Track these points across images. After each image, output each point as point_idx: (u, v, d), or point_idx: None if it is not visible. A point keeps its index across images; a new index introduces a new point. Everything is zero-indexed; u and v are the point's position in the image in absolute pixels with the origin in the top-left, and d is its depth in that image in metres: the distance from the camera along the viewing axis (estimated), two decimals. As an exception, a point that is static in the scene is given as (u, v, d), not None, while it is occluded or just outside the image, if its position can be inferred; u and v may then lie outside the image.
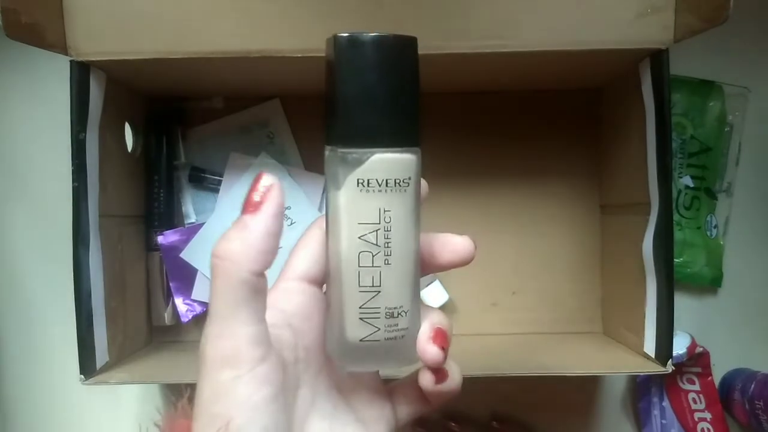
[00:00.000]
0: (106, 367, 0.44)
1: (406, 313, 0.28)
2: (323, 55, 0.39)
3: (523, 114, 0.54)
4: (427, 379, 0.28)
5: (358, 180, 0.26)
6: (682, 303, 0.55)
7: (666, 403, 0.55)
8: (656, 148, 0.41)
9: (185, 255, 0.52)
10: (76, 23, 0.39)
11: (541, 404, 0.55)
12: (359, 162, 0.26)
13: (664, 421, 0.55)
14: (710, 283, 0.55)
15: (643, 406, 0.55)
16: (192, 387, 0.28)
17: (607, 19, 0.39)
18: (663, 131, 0.41)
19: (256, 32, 0.39)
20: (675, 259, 0.50)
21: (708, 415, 0.55)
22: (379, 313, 0.27)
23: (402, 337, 0.28)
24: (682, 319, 0.55)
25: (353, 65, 0.25)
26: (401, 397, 0.30)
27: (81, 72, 0.40)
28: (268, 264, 0.25)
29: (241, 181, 0.53)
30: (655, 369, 0.42)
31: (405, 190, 0.26)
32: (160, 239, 0.52)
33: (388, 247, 0.27)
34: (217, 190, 0.53)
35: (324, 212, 0.28)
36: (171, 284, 0.52)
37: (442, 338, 0.28)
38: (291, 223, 0.53)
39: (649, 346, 0.43)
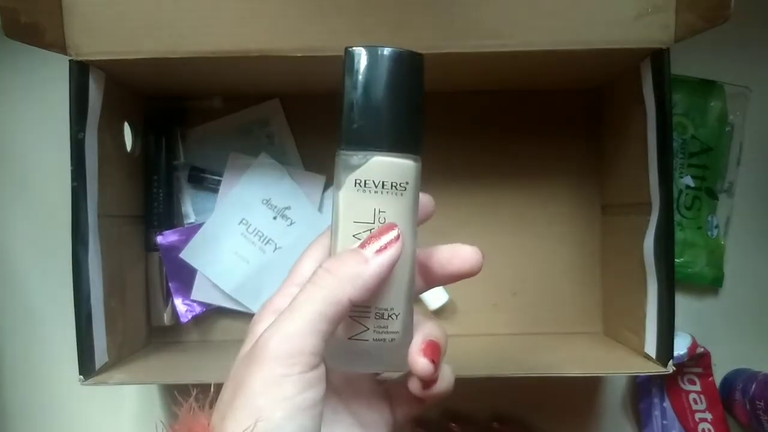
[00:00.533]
0: (106, 368, 0.44)
1: (396, 316, 0.28)
2: (323, 54, 0.40)
3: (523, 114, 0.54)
4: (414, 386, 0.29)
5: (356, 180, 0.27)
6: (683, 303, 0.55)
7: (667, 404, 0.55)
8: (657, 148, 0.41)
9: (185, 255, 0.52)
10: (75, 23, 0.39)
11: (541, 404, 0.55)
12: (359, 164, 0.27)
13: (665, 422, 0.55)
14: (711, 284, 0.55)
15: (643, 406, 0.55)
16: (199, 388, 0.28)
17: (607, 18, 0.39)
18: (664, 131, 0.41)
19: (256, 32, 0.39)
20: (676, 260, 0.50)
21: (709, 416, 0.55)
22: (368, 312, 0.28)
23: (392, 340, 0.28)
24: (682, 319, 0.55)
25: (359, 74, 0.27)
26: (397, 398, 0.31)
27: (80, 72, 0.40)
28: (364, 301, 0.27)
29: (240, 181, 0.53)
30: (656, 369, 0.42)
31: (401, 194, 0.28)
32: (160, 239, 0.52)
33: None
34: (216, 190, 0.53)
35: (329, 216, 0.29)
36: (170, 284, 0.52)
37: (433, 351, 0.29)
38: (290, 223, 0.53)
39: (650, 347, 0.43)
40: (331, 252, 0.29)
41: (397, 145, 0.28)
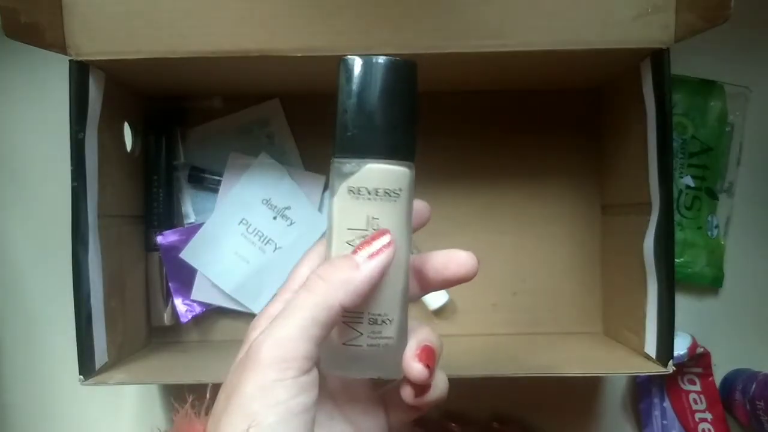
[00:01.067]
0: (106, 368, 0.44)
1: (390, 321, 0.28)
2: (323, 54, 0.40)
3: (523, 114, 0.54)
4: (407, 393, 0.29)
5: (349, 187, 0.28)
6: (683, 303, 0.55)
7: (667, 404, 0.55)
8: (657, 148, 0.41)
9: (185, 255, 0.52)
10: (75, 23, 0.39)
11: (541, 405, 0.55)
12: (352, 171, 0.28)
13: (665, 422, 0.55)
14: (711, 284, 0.55)
15: (643, 406, 0.55)
16: (195, 395, 0.28)
17: (607, 18, 0.39)
18: (664, 131, 0.41)
19: (256, 32, 0.39)
20: (676, 260, 0.50)
21: (709, 416, 0.55)
22: (362, 318, 0.28)
23: (386, 345, 0.28)
24: (682, 319, 0.55)
25: (353, 83, 0.28)
26: (392, 404, 0.31)
27: (80, 72, 0.40)
28: (356, 306, 0.27)
29: (240, 181, 0.53)
30: (656, 369, 0.42)
31: (395, 201, 0.28)
32: (160, 239, 0.52)
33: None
34: (216, 190, 0.53)
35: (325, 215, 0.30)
36: (170, 284, 0.52)
37: (428, 356, 0.29)
38: (290, 224, 0.53)
39: (650, 347, 0.43)
40: (326, 258, 0.29)
41: (390, 153, 0.28)
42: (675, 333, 0.42)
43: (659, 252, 0.42)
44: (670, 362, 0.41)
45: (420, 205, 0.31)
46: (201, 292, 0.52)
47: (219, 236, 0.52)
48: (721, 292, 0.56)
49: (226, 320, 0.54)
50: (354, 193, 0.28)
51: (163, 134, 0.53)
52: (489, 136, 0.54)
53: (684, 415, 0.55)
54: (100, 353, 0.43)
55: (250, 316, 0.53)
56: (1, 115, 0.56)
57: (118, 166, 0.47)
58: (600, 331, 0.54)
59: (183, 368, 0.47)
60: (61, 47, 0.39)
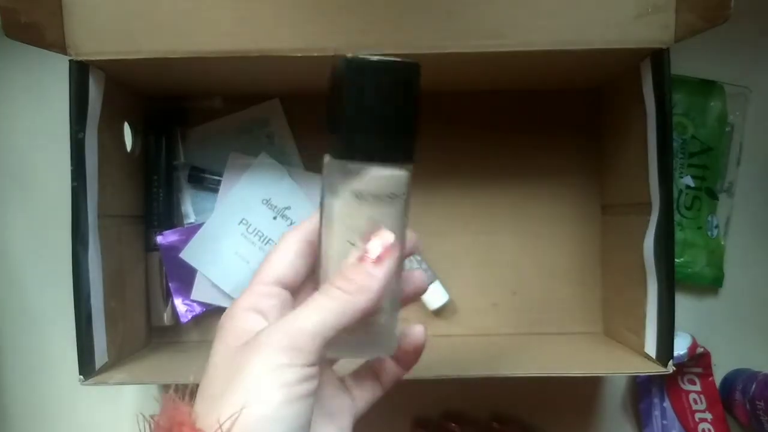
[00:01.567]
0: (106, 368, 0.44)
1: (383, 309, 0.30)
2: (323, 54, 0.40)
3: (523, 114, 0.54)
4: (419, 331, 0.32)
5: (353, 190, 0.28)
6: (683, 303, 0.55)
7: (667, 404, 0.55)
8: (657, 148, 0.41)
9: (185, 255, 0.52)
10: (75, 23, 0.39)
11: (541, 404, 0.55)
12: (356, 174, 0.28)
13: (665, 422, 0.55)
14: (711, 284, 0.55)
15: (643, 406, 0.55)
16: (180, 382, 0.28)
17: (607, 18, 0.39)
18: (664, 131, 0.41)
19: (256, 32, 0.39)
20: (676, 260, 0.50)
21: (709, 416, 0.55)
22: None
23: (378, 330, 0.30)
24: (682, 319, 0.55)
25: (357, 86, 0.28)
26: (356, 387, 0.33)
27: (80, 72, 0.40)
28: (375, 309, 0.29)
29: (240, 181, 0.53)
30: (656, 369, 0.42)
31: (394, 203, 0.29)
32: (160, 239, 0.52)
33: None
34: (216, 190, 0.53)
35: (300, 222, 0.31)
36: (170, 284, 0.52)
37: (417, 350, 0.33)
38: (290, 223, 0.53)
39: (650, 347, 0.43)
40: (323, 253, 0.30)
41: (394, 157, 0.29)
42: (675, 333, 0.42)
43: (659, 252, 0.42)
44: (670, 362, 0.41)
45: (411, 237, 0.32)
46: (201, 292, 0.52)
47: (219, 236, 0.52)
48: (721, 292, 0.56)
49: (226, 320, 0.54)
50: (358, 196, 0.28)
51: (163, 134, 0.53)
52: (489, 136, 0.54)
53: (684, 415, 0.55)
54: (100, 353, 0.43)
55: (250, 316, 0.53)
56: (1, 115, 0.56)
57: (118, 166, 0.47)
58: (600, 331, 0.54)
59: (183, 368, 0.47)
60: (61, 47, 0.39)
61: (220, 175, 0.53)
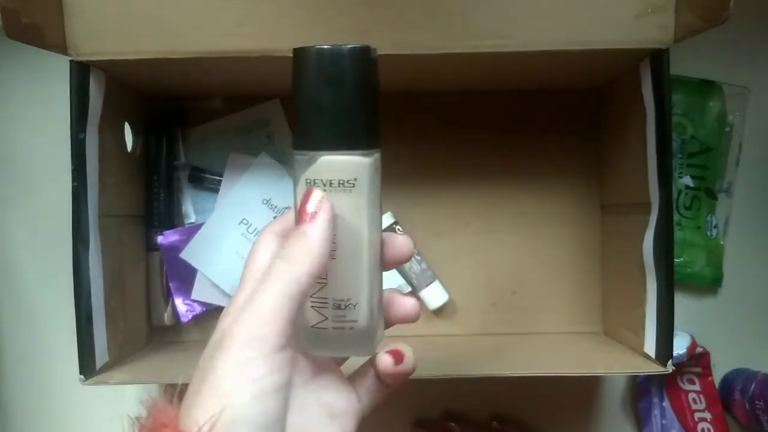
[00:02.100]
0: (106, 367, 0.44)
1: (354, 306, 0.30)
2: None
3: (523, 114, 0.54)
4: (386, 361, 0.31)
5: (306, 180, 0.29)
6: (683, 303, 0.55)
7: (666, 403, 0.55)
8: (656, 148, 0.41)
9: (185, 255, 0.52)
10: (76, 23, 0.39)
11: (541, 404, 0.55)
12: (309, 163, 0.28)
13: (664, 421, 0.55)
14: (710, 283, 0.55)
15: (643, 406, 0.55)
16: (168, 383, 0.28)
17: (607, 19, 0.39)
18: (663, 131, 0.41)
19: (256, 32, 0.39)
20: (675, 259, 0.50)
21: (708, 415, 0.55)
22: (326, 303, 0.30)
23: (351, 328, 0.30)
24: (682, 319, 0.55)
25: (303, 75, 0.28)
26: (361, 388, 0.32)
27: (81, 72, 0.40)
28: (322, 269, 0.28)
29: (240, 181, 0.53)
30: (656, 369, 0.42)
31: (350, 191, 0.28)
32: (160, 239, 0.52)
33: (333, 242, 0.29)
34: (216, 190, 0.53)
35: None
36: (171, 284, 0.52)
37: (397, 355, 0.31)
38: (291, 223, 0.53)
39: (650, 346, 0.43)
40: None
41: (343, 143, 0.28)
42: (674, 333, 0.42)
43: (659, 252, 0.42)
44: (670, 362, 0.41)
45: (403, 240, 0.31)
46: (201, 291, 0.53)
47: (219, 236, 0.52)
48: (720, 292, 0.56)
49: (227, 320, 0.54)
50: (311, 184, 0.28)
51: (164, 134, 0.53)
52: (489, 136, 0.54)
53: (683, 414, 0.55)
54: (101, 353, 0.43)
55: (250, 316, 0.53)
56: (3, 116, 0.56)
57: (118, 166, 0.47)
58: (599, 331, 0.54)
59: (183, 368, 0.47)
60: (61, 47, 0.40)
61: (221, 175, 0.53)
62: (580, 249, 0.54)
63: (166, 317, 0.53)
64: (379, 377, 0.32)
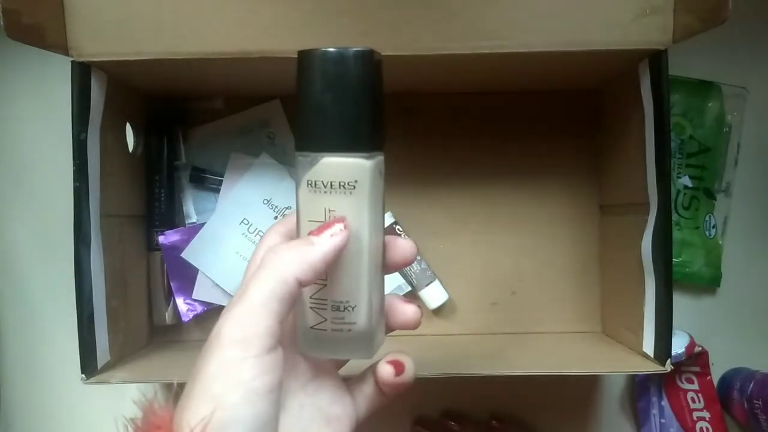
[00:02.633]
0: (107, 367, 0.44)
1: (353, 308, 0.29)
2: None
3: (523, 114, 0.54)
4: (387, 371, 0.31)
5: (308, 181, 0.29)
6: (681, 303, 0.56)
7: (665, 403, 0.55)
8: (655, 149, 0.42)
9: (186, 255, 0.52)
10: (77, 24, 0.39)
11: (541, 404, 0.55)
12: (311, 164, 0.28)
13: (663, 420, 0.55)
14: (709, 283, 0.56)
15: (642, 405, 0.55)
16: (163, 385, 0.28)
17: (606, 19, 0.39)
18: (662, 131, 0.41)
19: (256, 33, 0.39)
20: (674, 259, 0.50)
21: (707, 415, 0.55)
22: (325, 304, 0.30)
23: (349, 330, 0.30)
24: (680, 318, 0.55)
25: (307, 77, 0.28)
26: (359, 393, 0.32)
27: (82, 72, 0.41)
28: (311, 280, 0.28)
29: (241, 181, 0.53)
30: (654, 368, 0.42)
31: (351, 193, 0.28)
32: (161, 239, 0.52)
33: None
34: (217, 191, 0.53)
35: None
36: (172, 284, 0.53)
37: (397, 365, 0.31)
38: (291, 223, 0.53)
39: (648, 346, 0.43)
40: None
41: (344, 146, 0.28)
42: (673, 332, 0.42)
43: (657, 251, 0.42)
44: (668, 361, 0.41)
45: (405, 244, 0.31)
46: (202, 291, 0.53)
47: (220, 236, 0.52)
48: (718, 292, 0.56)
49: (227, 320, 0.54)
50: (312, 186, 0.28)
51: (165, 134, 0.53)
52: (488, 136, 0.54)
53: (682, 413, 0.55)
54: (102, 352, 0.43)
55: (250, 316, 0.53)
56: (4, 116, 0.56)
57: (120, 166, 0.47)
58: (599, 330, 0.54)
59: (185, 367, 0.47)
60: (62, 48, 0.40)
61: (222, 176, 0.53)
62: (580, 249, 0.54)
63: (168, 317, 0.53)
64: (378, 386, 0.32)
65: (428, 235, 0.54)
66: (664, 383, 0.55)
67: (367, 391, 0.32)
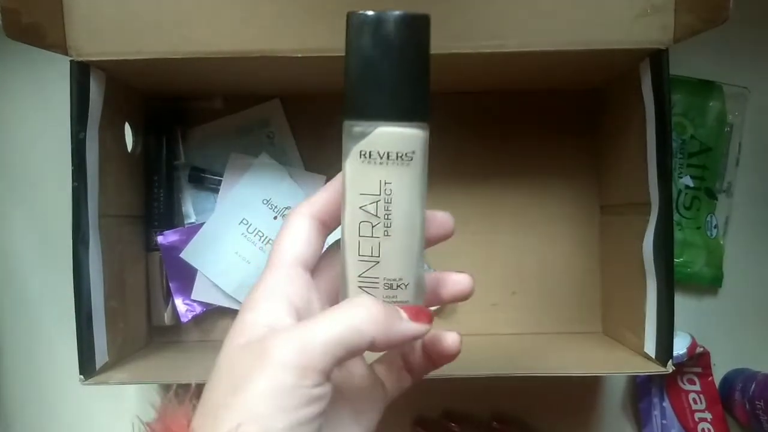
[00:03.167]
0: (106, 368, 0.44)
1: (406, 286, 0.28)
2: (323, 54, 0.40)
3: (523, 114, 0.54)
4: (455, 339, 0.30)
5: (360, 152, 0.27)
6: (683, 303, 0.55)
7: (666, 404, 0.55)
8: (656, 148, 0.41)
9: (185, 255, 0.52)
10: (76, 23, 0.39)
11: (541, 404, 0.55)
12: (363, 134, 0.27)
13: (664, 422, 0.55)
14: (710, 283, 0.55)
15: (643, 406, 0.55)
16: (180, 385, 0.28)
17: (607, 19, 0.39)
18: (663, 131, 0.41)
19: (256, 32, 0.39)
20: (675, 260, 0.50)
21: (708, 416, 0.55)
22: (377, 282, 0.28)
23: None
24: (682, 319, 0.55)
25: (360, 41, 0.26)
26: (387, 376, 0.31)
27: (81, 72, 0.40)
28: (382, 350, 0.28)
29: (241, 181, 0.53)
30: (656, 369, 0.42)
31: (408, 165, 0.27)
32: (160, 239, 0.52)
33: (388, 219, 0.27)
34: (217, 191, 0.53)
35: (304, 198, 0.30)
36: (171, 284, 0.53)
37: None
38: (291, 224, 0.53)
39: (650, 346, 0.43)
40: (341, 221, 0.29)
41: (402, 114, 0.27)
42: (674, 333, 0.42)
43: (658, 252, 0.42)
44: (670, 362, 0.41)
45: (444, 217, 0.31)
46: (201, 292, 0.53)
47: (219, 236, 0.52)
48: (720, 292, 0.56)
49: (227, 320, 0.54)
50: (366, 157, 0.27)
51: (164, 134, 0.53)
52: (488, 136, 0.54)
53: (683, 414, 0.55)
54: (101, 353, 0.43)
55: (250, 316, 0.53)
56: (3, 116, 0.56)
57: (118, 166, 0.47)
58: (599, 331, 0.54)
59: (184, 368, 0.47)
60: (61, 48, 0.40)
61: (221, 175, 0.53)
62: (580, 249, 0.54)
63: (166, 317, 0.53)
64: (431, 355, 0.31)
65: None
66: (666, 384, 0.55)
67: (393, 372, 0.31)
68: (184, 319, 0.53)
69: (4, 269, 0.56)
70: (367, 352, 0.29)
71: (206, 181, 0.53)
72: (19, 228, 0.56)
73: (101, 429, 0.57)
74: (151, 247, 0.52)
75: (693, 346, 0.53)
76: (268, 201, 0.53)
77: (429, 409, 0.55)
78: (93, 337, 0.42)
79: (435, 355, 0.31)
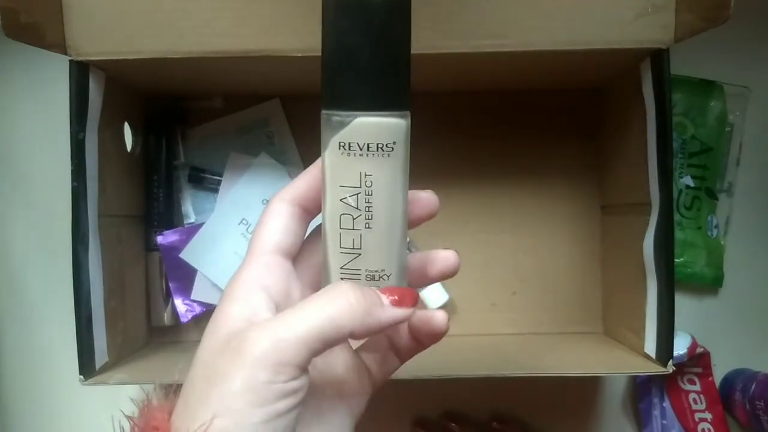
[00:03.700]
0: (106, 368, 0.44)
1: (388, 277, 0.28)
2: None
3: (523, 114, 0.54)
4: (443, 318, 0.30)
5: (340, 143, 0.26)
6: (683, 303, 0.55)
7: (666, 404, 0.55)
8: (657, 148, 0.41)
9: (185, 255, 0.52)
10: (75, 23, 0.39)
11: (541, 404, 0.55)
12: (342, 125, 0.26)
13: (664, 422, 0.55)
14: (711, 283, 0.55)
15: (643, 406, 0.55)
16: (162, 382, 0.28)
17: (607, 18, 0.39)
18: (664, 131, 0.41)
19: (256, 32, 0.39)
20: (675, 260, 0.50)
21: (709, 416, 0.55)
22: (359, 274, 0.28)
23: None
24: (682, 319, 0.55)
25: (335, 28, 0.25)
26: (373, 361, 0.31)
27: (80, 72, 0.40)
28: (362, 339, 0.28)
29: (240, 181, 0.53)
30: (656, 369, 0.42)
31: (389, 155, 0.26)
32: (160, 239, 0.52)
33: (369, 211, 0.27)
34: (216, 190, 0.53)
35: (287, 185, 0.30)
36: (170, 284, 0.52)
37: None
38: (291, 223, 0.52)
39: (650, 347, 0.43)
40: (322, 212, 0.28)
41: (381, 103, 0.26)
42: (675, 333, 0.42)
43: (659, 252, 0.42)
44: (670, 362, 0.41)
45: (427, 196, 0.30)
46: (201, 292, 0.53)
47: (219, 236, 0.52)
48: (720, 292, 0.56)
49: (226, 320, 0.54)
50: (345, 148, 0.26)
51: (164, 134, 0.53)
52: (489, 136, 0.54)
53: (684, 414, 0.55)
54: (100, 353, 0.43)
55: (250, 316, 0.53)
56: (2, 115, 0.56)
57: (118, 166, 0.47)
58: (600, 331, 0.54)
59: (183, 368, 0.47)
60: (61, 47, 0.39)
61: (220, 175, 0.53)
62: (580, 249, 0.54)
63: (166, 317, 0.53)
64: (418, 336, 0.30)
65: (427, 235, 0.53)
66: (666, 384, 0.55)
67: (379, 357, 0.31)
68: (183, 320, 0.53)
69: (4, 269, 0.56)
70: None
71: (206, 181, 0.53)
72: (19, 228, 0.56)
73: (101, 429, 0.57)
74: (150, 247, 0.52)
75: (693, 346, 0.53)
76: (267, 201, 0.52)
77: (429, 409, 0.55)
78: (93, 337, 0.42)
79: (423, 336, 0.30)
